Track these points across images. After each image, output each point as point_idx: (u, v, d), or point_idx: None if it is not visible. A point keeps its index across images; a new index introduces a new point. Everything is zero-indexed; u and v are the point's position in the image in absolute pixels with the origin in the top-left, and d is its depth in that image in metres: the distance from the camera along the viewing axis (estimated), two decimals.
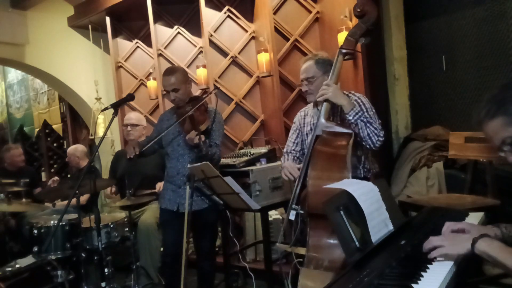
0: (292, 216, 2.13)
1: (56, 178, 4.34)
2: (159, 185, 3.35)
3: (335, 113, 2.35)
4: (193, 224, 2.59)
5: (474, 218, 1.74)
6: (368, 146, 2.20)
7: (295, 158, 2.53)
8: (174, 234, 2.77)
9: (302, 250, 2.04)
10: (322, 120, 2.18)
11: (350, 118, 2.14)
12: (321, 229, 1.91)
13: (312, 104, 2.49)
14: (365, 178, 2.30)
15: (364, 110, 2.24)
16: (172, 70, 2.83)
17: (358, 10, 2.22)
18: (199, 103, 2.65)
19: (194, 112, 2.61)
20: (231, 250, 3.29)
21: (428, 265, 1.27)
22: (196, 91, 4.06)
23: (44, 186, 5.06)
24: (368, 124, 2.15)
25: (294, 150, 2.55)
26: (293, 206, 2.13)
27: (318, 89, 2.26)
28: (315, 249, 1.90)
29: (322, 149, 2.10)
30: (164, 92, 2.81)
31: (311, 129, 2.43)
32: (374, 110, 2.31)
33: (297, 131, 2.55)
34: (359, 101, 2.29)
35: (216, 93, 2.82)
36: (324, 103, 2.20)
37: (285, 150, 2.60)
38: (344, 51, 2.23)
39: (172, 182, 2.84)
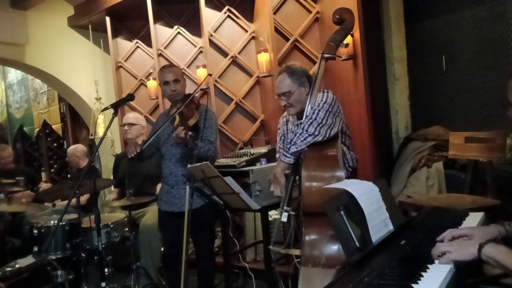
0: (284, 218, 2.14)
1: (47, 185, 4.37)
2: (159, 187, 3.35)
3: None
4: (191, 223, 2.58)
5: (474, 218, 1.74)
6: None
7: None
8: (173, 234, 2.78)
9: (295, 252, 2.07)
10: None
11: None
12: (316, 226, 1.93)
13: None
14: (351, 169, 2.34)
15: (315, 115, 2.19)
16: (171, 65, 2.87)
17: (337, 17, 2.41)
18: (188, 99, 2.66)
19: (183, 109, 2.62)
20: (231, 250, 3.28)
21: (428, 265, 1.27)
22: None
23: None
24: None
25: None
26: (285, 207, 2.15)
27: (297, 101, 2.30)
28: (311, 247, 1.91)
29: (313, 153, 2.14)
30: (165, 85, 2.78)
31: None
32: (332, 109, 2.22)
33: (282, 137, 2.54)
34: (317, 105, 2.22)
35: (207, 90, 2.82)
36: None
37: (277, 155, 2.56)
38: (326, 56, 2.34)
39: (165, 182, 2.85)
